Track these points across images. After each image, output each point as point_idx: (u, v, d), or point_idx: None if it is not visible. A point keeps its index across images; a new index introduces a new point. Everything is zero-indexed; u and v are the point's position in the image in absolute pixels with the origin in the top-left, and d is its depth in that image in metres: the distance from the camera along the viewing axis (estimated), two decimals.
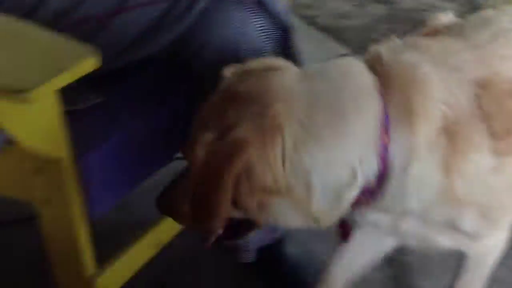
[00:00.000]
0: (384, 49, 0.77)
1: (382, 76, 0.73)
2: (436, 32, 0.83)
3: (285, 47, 1.09)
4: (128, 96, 1.06)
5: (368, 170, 0.70)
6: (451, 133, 0.71)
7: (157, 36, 1.00)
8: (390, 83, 0.72)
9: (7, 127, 0.82)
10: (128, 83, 1.07)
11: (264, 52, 1.06)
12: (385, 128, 0.70)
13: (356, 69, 0.75)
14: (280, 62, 0.79)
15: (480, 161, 0.73)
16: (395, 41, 0.80)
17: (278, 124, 0.67)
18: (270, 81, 0.73)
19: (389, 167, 0.71)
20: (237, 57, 1.04)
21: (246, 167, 0.67)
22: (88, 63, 0.81)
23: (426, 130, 0.70)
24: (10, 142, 0.93)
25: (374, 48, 0.78)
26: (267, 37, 1.06)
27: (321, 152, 0.69)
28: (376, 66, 0.74)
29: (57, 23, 0.96)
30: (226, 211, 0.68)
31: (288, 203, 0.70)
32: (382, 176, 0.71)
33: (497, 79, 0.74)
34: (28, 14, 0.97)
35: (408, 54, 0.75)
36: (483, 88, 0.73)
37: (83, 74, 0.81)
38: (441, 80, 0.72)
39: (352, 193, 0.71)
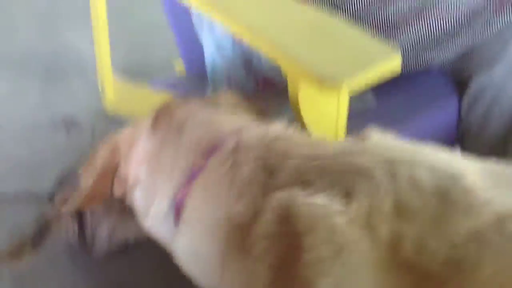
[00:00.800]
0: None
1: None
2: None
3: None
4: (400, 102, 1.06)
5: (160, 210, 0.75)
6: None
7: (447, 47, 0.99)
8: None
9: (301, 111, 0.87)
10: (401, 89, 1.08)
11: None
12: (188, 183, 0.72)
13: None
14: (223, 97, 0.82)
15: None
16: None
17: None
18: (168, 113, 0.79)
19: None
20: None
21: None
22: (393, 63, 0.82)
23: None
24: None
25: None
26: None
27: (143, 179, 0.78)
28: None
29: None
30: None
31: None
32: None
33: None
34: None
35: None
36: None
37: (387, 74, 0.82)
38: None
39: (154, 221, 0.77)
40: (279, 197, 0.58)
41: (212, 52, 1.09)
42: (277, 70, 1.04)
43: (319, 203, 0.55)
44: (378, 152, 0.60)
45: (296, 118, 0.91)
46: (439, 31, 0.99)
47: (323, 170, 0.59)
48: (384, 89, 1.06)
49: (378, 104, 1.06)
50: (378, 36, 0.86)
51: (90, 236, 1.13)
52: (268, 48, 0.87)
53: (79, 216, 1.13)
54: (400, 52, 0.83)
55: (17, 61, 2.11)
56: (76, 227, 1.12)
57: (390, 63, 0.83)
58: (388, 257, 0.51)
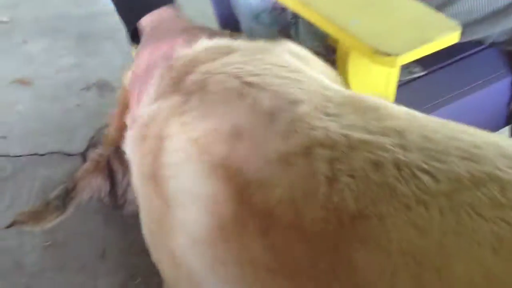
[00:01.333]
0: None
1: None
2: None
3: None
4: (449, 73, 1.03)
5: None
6: None
7: (501, 22, 0.95)
8: None
9: (349, 80, 0.85)
10: (450, 60, 1.04)
11: None
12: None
13: None
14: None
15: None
16: None
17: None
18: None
19: None
20: None
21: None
22: (451, 37, 0.79)
23: None
24: None
25: None
26: None
27: None
28: None
29: None
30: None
31: None
32: None
33: None
34: None
35: None
36: None
37: (444, 46, 0.79)
38: None
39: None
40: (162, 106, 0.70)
41: (248, 21, 1.07)
42: (317, 38, 1.01)
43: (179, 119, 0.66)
44: (238, 73, 0.66)
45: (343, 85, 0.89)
46: (494, 5, 0.95)
47: (201, 87, 0.68)
48: (433, 59, 1.03)
49: (426, 75, 1.02)
50: (431, 7, 0.83)
51: (122, 195, 1.14)
52: (319, 18, 0.84)
53: (111, 175, 1.13)
54: (460, 27, 0.79)
55: (52, 25, 2.11)
56: (107, 186, 1.13)
57: (449, 38, 0.79)
58: (219, 170, 0.60)
